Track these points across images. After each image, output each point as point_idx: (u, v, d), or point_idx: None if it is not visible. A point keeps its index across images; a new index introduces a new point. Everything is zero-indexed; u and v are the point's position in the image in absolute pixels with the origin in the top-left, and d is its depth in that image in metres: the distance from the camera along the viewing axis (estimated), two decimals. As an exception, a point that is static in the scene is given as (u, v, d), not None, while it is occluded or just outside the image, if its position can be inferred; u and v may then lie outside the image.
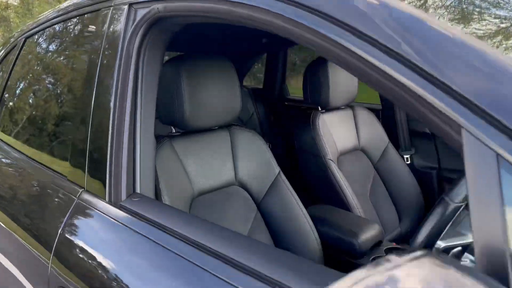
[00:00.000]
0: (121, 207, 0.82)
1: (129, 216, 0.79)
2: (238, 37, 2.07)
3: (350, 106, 1.85)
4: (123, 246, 0.76)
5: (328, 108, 1.72)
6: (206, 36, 1.89)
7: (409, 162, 1.90)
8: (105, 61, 0.95)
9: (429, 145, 1.89)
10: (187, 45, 2.11)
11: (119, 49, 0.90)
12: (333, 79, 1.65)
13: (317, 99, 1.68)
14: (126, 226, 0.77)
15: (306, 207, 1.22)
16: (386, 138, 1.83)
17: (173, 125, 1.14)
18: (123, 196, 0.83)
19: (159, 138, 1.08)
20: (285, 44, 2.51)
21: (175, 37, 0.94)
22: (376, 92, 2.06)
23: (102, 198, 0.87)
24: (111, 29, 0.96)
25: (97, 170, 0.90)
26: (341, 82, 1.68)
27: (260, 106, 2.78)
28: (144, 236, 0.72)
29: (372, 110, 1.93)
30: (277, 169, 1.26)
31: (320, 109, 1.72)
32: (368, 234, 1.25)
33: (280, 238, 1.21)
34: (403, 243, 1.70)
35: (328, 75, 1.64)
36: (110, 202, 0.85)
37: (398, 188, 1.76)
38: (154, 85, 0.92)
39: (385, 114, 2.03)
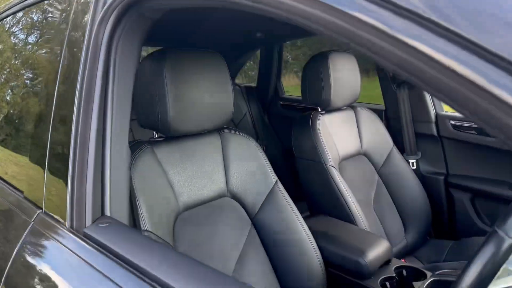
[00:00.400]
0: (84, 236, 0.66)
1: (93, 249, 0.62)
2: (230, 30, 1.91)
3: (351, 106, 1.71)
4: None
5: (328, 109, 1.58)
6: (193, 27, 1.73)
7: (414, 167, 1.80)
8: (69, 54, 0.79)
9: (436, 149, 1.79)
10: (171, 37, 1.94)
11: (86, 38, 0.74)
12: (335, 77, 1.51)
13: (317, 99, 1.54)
14: (87, 263, 0.60)
15: (304, 217, 1.12)
16: (390, 142, 1.71)
17: (154, 129, 1.00)
18: (88, 221, 0.67)
19: (138, 144, 0.95)
20: (280, 38, 2.36)
21: (155, 27, 0.80)
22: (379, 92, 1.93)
23: (63, 223, 0.70)
24: (77, 14, 0.80)
25: (57, 187, 0.74)
26: (343, 81, 1.55)
27: (254, 105, 2.64)
28: (109, 279, 0.56)
29: (375, 111, 1.80)
30: (274, 178, 1.15)
31: (320, 109, 1.57)
32: (376, 251, 1.15)
33: (278, 257, 1.10)
34: (409, 255, 1.59)
35: (329, 73, 1.50)
36: (71, 229, 0.68)
37: (403, 195, 1.66)
38: (129, 82, 0.77)
39: (389, 115, 1.90)
